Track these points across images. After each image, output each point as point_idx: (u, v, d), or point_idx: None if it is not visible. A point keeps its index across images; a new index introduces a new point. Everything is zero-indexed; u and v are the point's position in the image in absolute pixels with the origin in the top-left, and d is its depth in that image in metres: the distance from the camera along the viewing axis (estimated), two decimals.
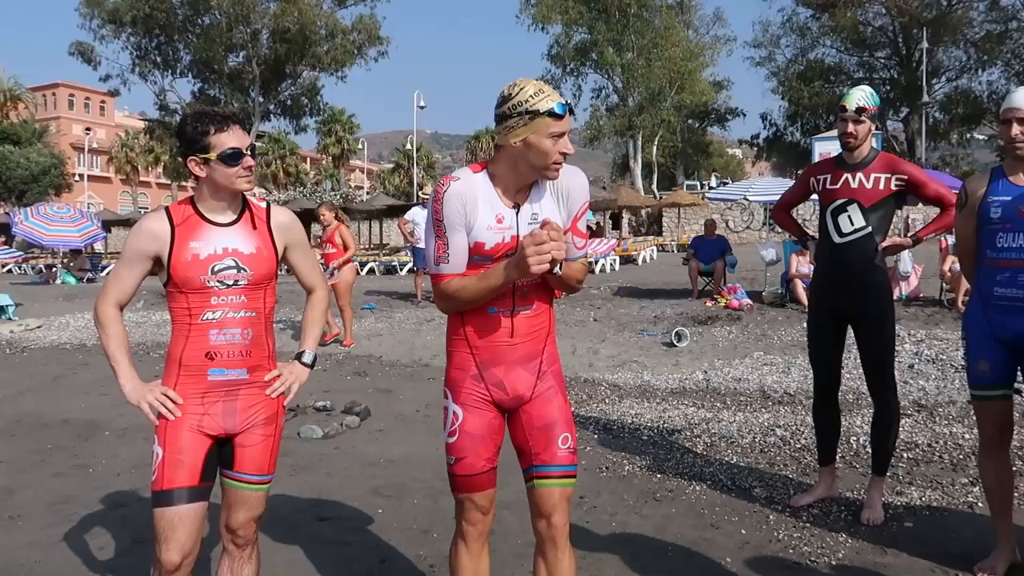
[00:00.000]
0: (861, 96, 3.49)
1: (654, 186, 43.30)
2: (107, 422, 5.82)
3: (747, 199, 13.69)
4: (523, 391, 2.25)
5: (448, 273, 2.14)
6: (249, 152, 2.28)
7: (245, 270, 2.29)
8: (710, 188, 33.68)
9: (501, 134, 2.09)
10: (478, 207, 2.13)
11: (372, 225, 32.11)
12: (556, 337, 2.36)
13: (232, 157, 2.23)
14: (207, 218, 2.30)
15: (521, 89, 2.05)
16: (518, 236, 2.14)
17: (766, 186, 14.23)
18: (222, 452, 2.35)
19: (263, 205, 2.43)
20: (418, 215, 12.15)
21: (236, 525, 2.38)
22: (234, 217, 2.33)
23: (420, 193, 13.71)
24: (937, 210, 3.61)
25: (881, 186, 3.49)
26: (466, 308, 2.18)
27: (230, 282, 2.28)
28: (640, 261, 21.03)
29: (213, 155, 2.22)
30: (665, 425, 5.37)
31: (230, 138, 2.24)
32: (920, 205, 7.28)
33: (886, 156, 3.57)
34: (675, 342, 8.45)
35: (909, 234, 3.57)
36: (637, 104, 38.85)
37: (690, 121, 45.68)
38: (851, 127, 3.48)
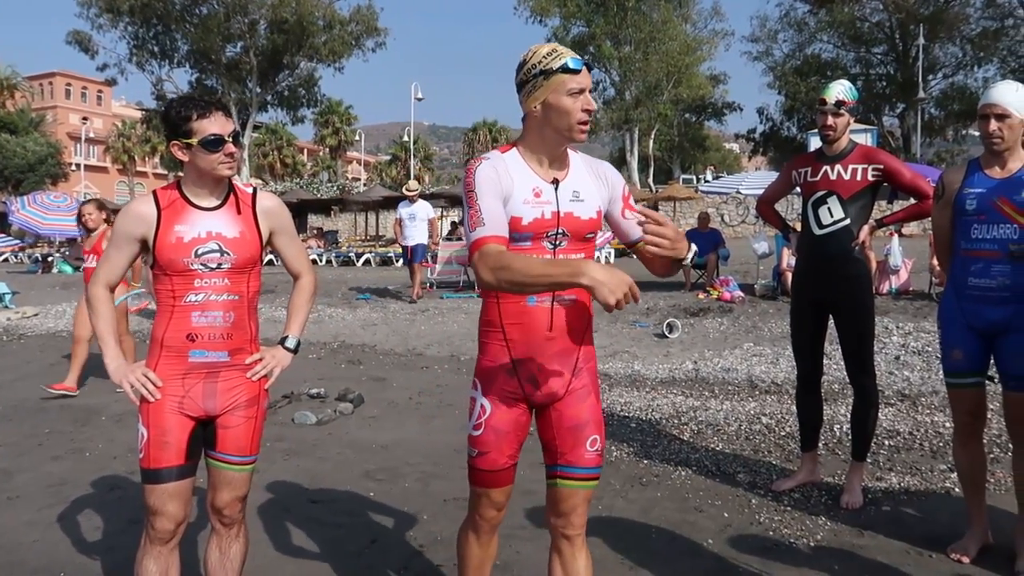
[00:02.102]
0: (840, 90, 3.56)
1: (650, 180, 43.33)
2: (104, 407, 5.90)
3: (740, 193, 13.74)
4: (557, 388, 2.16)
5: (484, 235, 1.95)
6: (231, 139, 2.30)
7: (228, 254, 2.33)
8: (705, 182, 33.73)
9: (523, 102, 2.05)
10: (513, 180, 2.05)
11: (368, 216, 32.13)
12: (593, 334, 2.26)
13: (213, 143, 2.26)
14: (192, 202, 2.34)
15: (534, 52, 2.02)
16: (558, 212, 2.07)
17: (759, 180, 14.30)
18: (206, 432, 2.39)
19: (249, 191, 2.47)
20: (402, 210, 12.10)
21: (221, 505, 2.44)
22: (218, 202, 2.37)
23: (404, 189, 13.01)
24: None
25: (859, 177, 3.57)
26: (513, 288, 1.91)
27: (213, 265, 2.31)
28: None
29: (195, 140, 2.26)
30: (653, 413, 5.46)
31: (212, 124, 2.26)
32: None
33: (863, 148, 3.65)
34: (667, 333, 8.54)
35: (874, 217, 3.64)
36: (634, 98, 38.85)
37: (687, 115, 45.69)
38: (830, 120, 3.56)
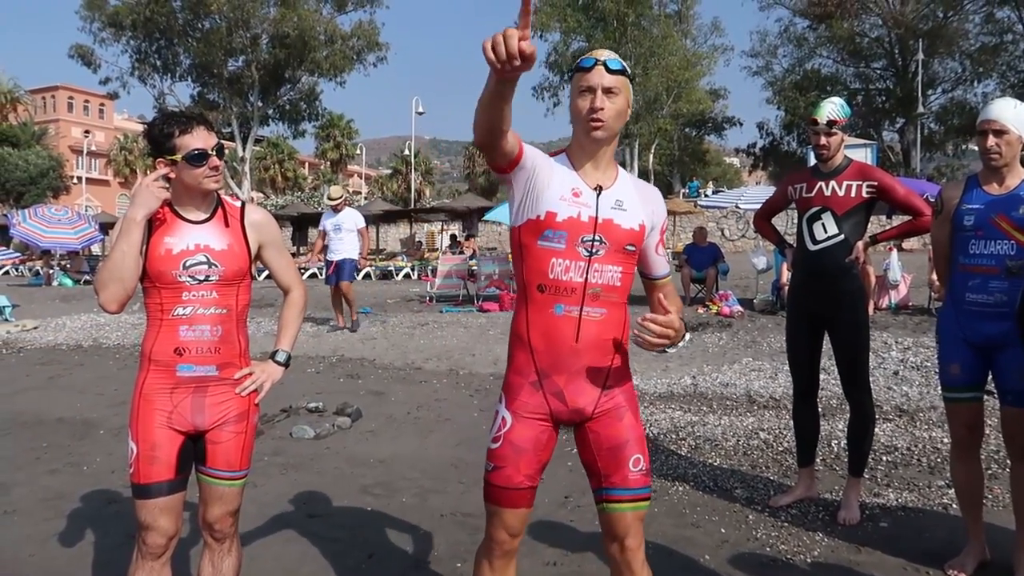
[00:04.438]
0: (831, 109, 3.59)
1: None
2: (102, 421, 5.90)
3: (739, 207, 13.79)
4: (584, 405, 2.10)
5: None
6: (215, 152, 2.33)
7: (216, 266, 2.35)
8: (704, 196, 33.83)
9: None
10: (553, 176, 2.06)
11: (369, 230, 32.22)
12: (628, 355, 2.19)
13: (197, 158, 2.29)
14: (181, 215, 2.37)
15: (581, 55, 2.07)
16: (596, 218, 2.05)
17: (758, 194, 14.35)
18: (196, 447, 2.40)
19: (237, 204, 2.49)
20: (326, 221, 10.32)
21: (212, 519, 2.44)
22: (207, 215, 2.40)
23: (326, 197, 11.98)
24: None
25: (853, 193, 3.59)
26: (480, 107, 1.81)
27: (201, 277, 2.33)
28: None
29: (179, 156, 2.29)
30: (652, 428, 5.45)
31: (194, 139, 2.29)
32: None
33: (858, 164, 3.68)
34: (665, 348, 8.52)
35: (868, 235, 3.66)
36: (634, 112, 39.03)
37: (687, 129, 45.86)
38: (823, 139, 3.59)
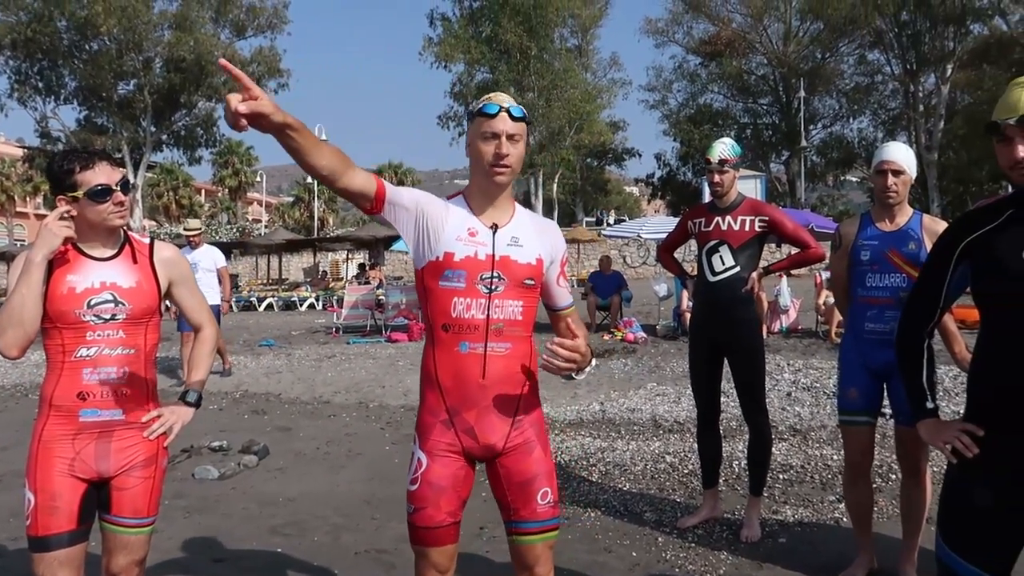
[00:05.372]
0: (722, 149, 3.84)
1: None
2: None
3: (641, 236, 14.28)
4: (495, 440, 2.14)
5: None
6: (119, 187, 2.26)
7: (123, 304, 2.28)
8: (607, 225, 34.81)
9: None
10: (448, 217, 2.10)
11: (270, 260, 31.37)
12: (537, 385, 2.24)
13: (100, 193, 2.22)
14: (85, 252, 2.29)
15: (480, 98, 2.11)
16: (494, 256, 2.10)
17: (659, 224, 14.91)
18: (100, 494, 2.30)
19: (146, 241, 2.44)
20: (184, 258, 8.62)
21: (117, 570, 2.33)
22: (113, 252, 2.33)
23: (183, 229, 9.98)
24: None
25: (747, 227, 3.83)
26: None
27: (107, 316, 2.26)
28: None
29: (80, 193, 2.22)
30: (563, 455, 5.55)
31: (97, 175, 2.23)
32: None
33: (751, 201, 3.93)
34: (573, 375, 8.68)
35: (761, 265, 3.90)
36: (538, 143, 39.83)
37: (589, 160, 47.15)
38: (716, 177, 3.83)
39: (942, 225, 3.20)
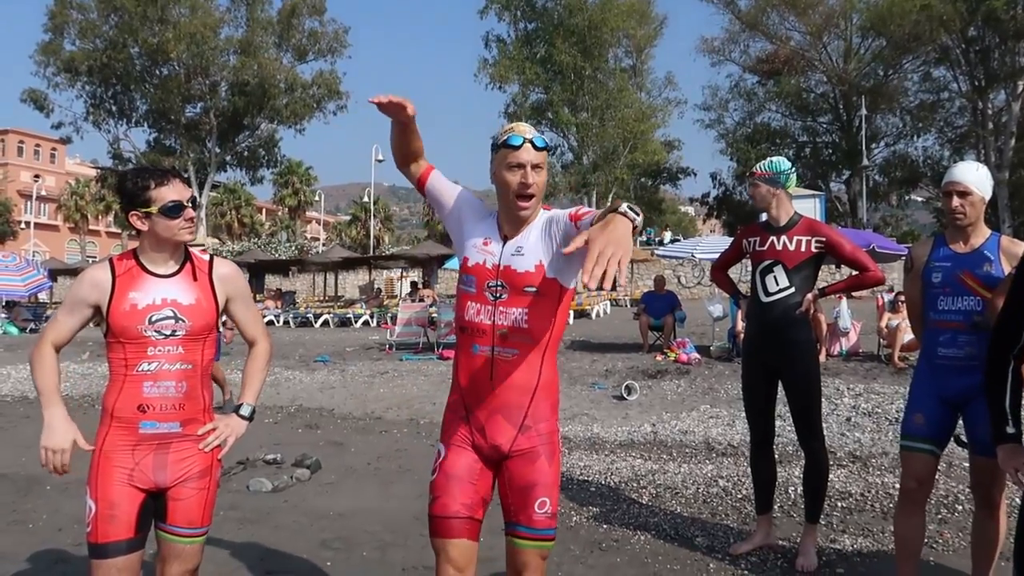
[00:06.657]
0: (760, 164, 3.85)
1: None
2: (48, 477, 5.65)
3: (695, 256, 14.08)
4: (501, 442, 2.21)
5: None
6: (190, 204, 2.36)
7: (183, 320, 2.34)
8: (661, 244, 34.47)
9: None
10: (477, 225, 2.30)
11: (327, 277, 31.98)
12: (557, 398, 2.31)
13: (173, 210, 2.32)
14: (148, 269, 2.37)
15: (504, 128, 2.24)
16: (499, 266, 2.22)
17: (713, 244, 14.68)
18: (156, 504, 2.36)
19: (206, 258, 2.51)
20: None
21: None
22: (175, 268, 2.40)
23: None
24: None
25: (803, 248, 3.75)
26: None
27: (168, 332, 2.32)
28: (594, 315, 21.34)
29: (154, 208, 2.31)
30: (613, 477, 5.48)
31: (170, 191, 2.32)
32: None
33: (808, 221, 3.84)
34: (625, 395, 8.61)
35: (818, 286, 3.81)
36: (591, 162, 39.82)
37: (643, 179, 46.86)
38: (750, 190, 3.86)
39: (1020, 246, 3.09)
